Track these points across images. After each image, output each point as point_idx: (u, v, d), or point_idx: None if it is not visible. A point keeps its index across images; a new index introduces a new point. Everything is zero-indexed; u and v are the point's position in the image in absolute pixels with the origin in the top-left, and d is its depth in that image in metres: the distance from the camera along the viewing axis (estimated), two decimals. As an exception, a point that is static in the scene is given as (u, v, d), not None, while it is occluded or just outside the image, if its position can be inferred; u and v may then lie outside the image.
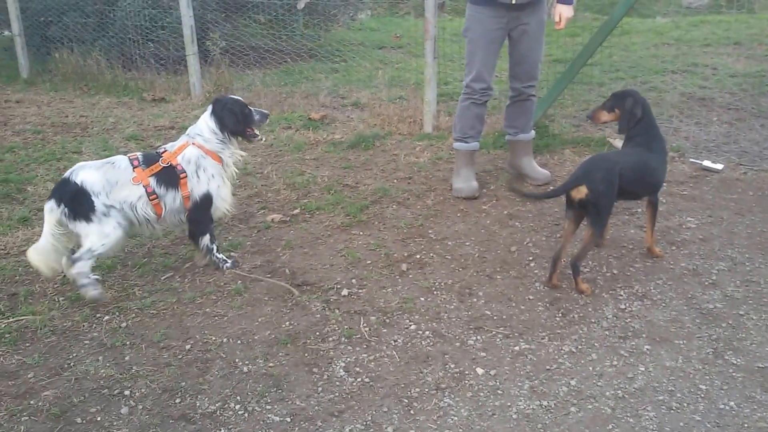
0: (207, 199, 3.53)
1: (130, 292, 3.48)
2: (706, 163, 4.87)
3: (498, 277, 3.55)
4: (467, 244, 3.90)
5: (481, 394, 2.70)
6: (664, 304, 3.27)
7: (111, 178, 3.34)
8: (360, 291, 3.45)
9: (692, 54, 7.97)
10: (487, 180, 4.79)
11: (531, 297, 3.36)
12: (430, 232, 4.06)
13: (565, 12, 4.39)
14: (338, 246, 3.91)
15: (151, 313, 3.30)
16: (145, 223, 3.47)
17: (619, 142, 5.22)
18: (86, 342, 3.09)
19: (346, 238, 4.01)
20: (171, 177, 3.45)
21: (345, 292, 3.44)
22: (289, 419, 2.59)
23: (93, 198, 3.28)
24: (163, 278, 3.61)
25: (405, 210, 4.37)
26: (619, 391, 2.69)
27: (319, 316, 3.25)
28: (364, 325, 3.17)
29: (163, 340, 3.08)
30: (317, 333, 3.11)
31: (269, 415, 2.61)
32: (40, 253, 3.28)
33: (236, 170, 3.70)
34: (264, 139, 3.77)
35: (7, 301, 3.42)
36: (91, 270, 3.33)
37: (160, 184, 3.43)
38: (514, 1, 4.23)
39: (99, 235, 3.29)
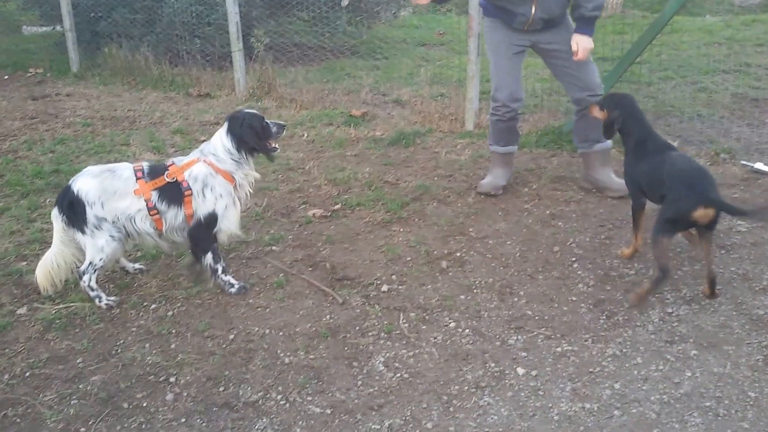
0: (211, 219, 3.32)
1: (176, 282, 3.55)
2: (758, 165, 4.73)
3: (540, 277, 3.52)
4: (508, 243, 3.87)
5: (522, 394, 2.68)
6: (712, 309, 3.19)
7: (109, 188, 3.23)
8: (400, 287, 3.45)
9: (744, 54, 7.76)
10: (529, 179, 4.74)
11: (574, 298, 3.32)
12: (470, 230, 4.04)
13: (582, 42, 4.03)
14: (378, 242, 3.92)
15: (196, 303, 3.36)
16: (146, 236, 3.34)
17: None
18: (133, 329, 3.16)
19: (387, 235, 4.01)
20: (174, 193, 3.27)
21: (385, 288, 3.44)
22: (329, 411, 2.61)
23: (87, 208, 3.20)
24: (207, 269, 3.67)
25: (445, 208, 4.35)
26: (665, 396, 2.64)
27: (359, 310, 3.26)
28: (404, 321, 3.17)
29: (208, 330, 3.13)
30: (357, 327, 3.13)
31: (310, 407, 2.64)
32: (42, 266, 3.29)
33: (250, 191, 3.50)
34: (279, 149, 3.58)
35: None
36: (97, 281, 3.34)
37: (162, 200, 3.27)
38: (525, 28, 4.15)
39: (94, 249, 3.25)
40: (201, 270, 3.43)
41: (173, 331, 3.13)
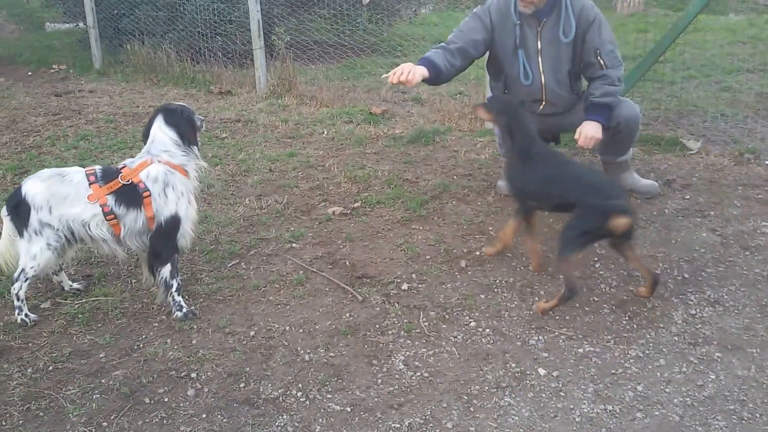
0: (174, 222, 3.16)
1: (198, 278, 3.57)
2: (783, 166, 4.67)
3: (561, 277, 3.49)
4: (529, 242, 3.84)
5: (543, 395, 2.66)
6: (736, 311, 3.15)
7: (58, 192, 3.06)
8: (419, 286, 3.45)
9: (769, 53, 7.67)
10: (550, 178, 4.70)
11: (596, 299, 3.29)
12: (490, 229, 4.02)
13: (586, 129, 3.83)
14: (398, 240, 3.92)
15: (217, 299, 3.37)
16: (101, 243, 3.16)
17: (693, 143, 5.07)
18: (155, 324, 3.18)
19: (406, 233, 4.00)
20: (132, 196, 3.10)
21: (405, 286, 3.44)
22: (349, 409, 2.61)
23: (32, 211, 3.05)
24: (229, 265, 3.69)
25: (465, 206, 4.34)
26: (688, 399, 2.61)
27: (378, 309, 3.26)
28: (424, 320, 3.16)
29: (229, 326, 3.15)
30: (377, 326, 3.13)
31: (330, 404, 2.64)
32: None
33: (198, 184, 3.36)
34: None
35: (82, 282, 3.54)
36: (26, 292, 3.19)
37: (120, 204, 3.09)
38: (538, 112, 4.15)
39: (27, 256, 3.10)
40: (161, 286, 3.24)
41: (194, 326, 3.14)
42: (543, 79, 4.07)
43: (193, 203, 3.27)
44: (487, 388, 2.71)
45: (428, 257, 3.72)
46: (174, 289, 3.20)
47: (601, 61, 3.92)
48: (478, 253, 3.74)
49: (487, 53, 4.20)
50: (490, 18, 4.06)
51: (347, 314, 3.22)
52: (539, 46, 4.01)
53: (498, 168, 4.91)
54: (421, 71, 3.81)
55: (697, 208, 4.15)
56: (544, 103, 4.17)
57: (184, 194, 3.19)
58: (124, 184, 3.10)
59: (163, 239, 3.17)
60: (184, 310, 3.21)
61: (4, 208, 3.15)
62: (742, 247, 3.69)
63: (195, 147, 3.31)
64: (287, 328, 3.12)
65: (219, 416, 2.59)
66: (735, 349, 2.89)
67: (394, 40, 9.06)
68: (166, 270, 3.19)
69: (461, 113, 6.13)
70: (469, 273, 3.55)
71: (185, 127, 3.25)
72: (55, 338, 3.10)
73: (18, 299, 3.17)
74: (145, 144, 3.28)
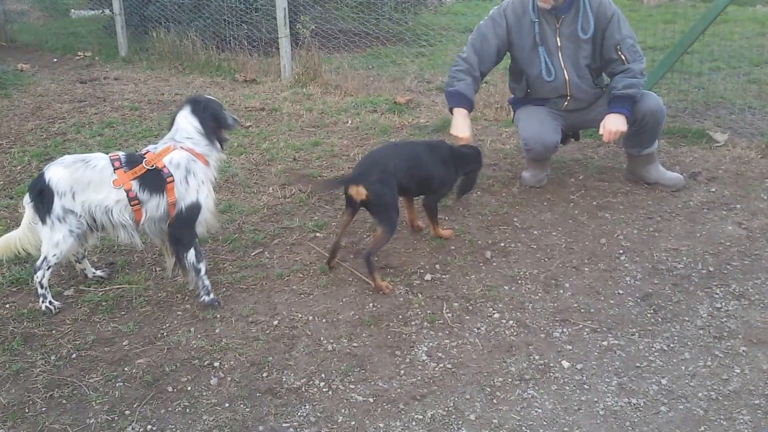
0: (194, 210, 3.18)
1: (221, 267, 3.59)
2: (814, 159, 4.58)
3: (586, 269, 3.46)
4: (554, 234, 3.82)
5: (567, 387, 2.65)
6: (762, 305, 3.10)
7: (82, 178, 3.06)
8: (443, 276, 3.44)
9: (801, 43, 7.51)
10: (575, 169, 4.66)
11: (621, 291, 3.26)
12: (515, 220, 4.00)
13: (609, 123, 3.89)
14: (422, 230, 3.90)
15: (240, 288, 3.39)
16: (121, 229, 3.16)
17: (720, 136, 4.99)
18: (179, 313, 3.21)
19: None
20: (156, 181, 3.11)
21: (428, 276, 3.43)
22: (371, 400, 2.62)
23: (55, 198, 3.05)
24: (252, 254, 3.70)
25: (490, 197, 4.31)
26: (713, 393, 2.58)
27: (402, 299, 3.25)
28: (447, 311, 3.16)
29: (252, 315, 3.16)
30: (400, 316, 3.13)
31: (353, 395, 2.65)
32: (5, 240, 3.22)
33: (217, 175, 3.38)
34: (229, 140, 3.53)
35: (105, 270, 3.58)
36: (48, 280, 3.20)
37: (144, 189, 3.10)
38: (563, 108, 4.20)
39: (50, 244, 3.11)
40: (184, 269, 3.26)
41: (218, 315, 3.16)
42: (566, 74, 4.10)
43: (211, 192, 3.28)
44: (510, 380, 2.70)
45: (452, 248, 3.70)
46: (203, 272, 3.22)
47: (623, 56, 3.96)
48: (502, 244, 3.72)
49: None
50: (506, 20, 4.12)
51: (370, 304, 3.22)
52: (558, 43, 4.05)
53: (523, 158, 4.88)
54: (468, 121, 4.13)
55: (723, 201, 4.09)
56: (568, 98, 4.20)
57: (204, 183, 3.21)
58: (148, 169, 3.12)
59: (182, 226, 3.18)
60: (212, 296, 3.23)
61: (27, 194, 3.15)
62: (772, 241, 3.63)
63: (218, 142, 3.30)
64: (310, 317, 3.13)
65: (242, 405, 2.61)
66: (760, 343, 2.85)
67: (420, 29, 9.02)
68: (191, 255, 3.20)
69: (487, 102, 6.09)
70: (493, 264, 3.54)
71: (209, 119, 3.26)
72: (78, 326, 3.12)
73: (41, 287, 3.18)
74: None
